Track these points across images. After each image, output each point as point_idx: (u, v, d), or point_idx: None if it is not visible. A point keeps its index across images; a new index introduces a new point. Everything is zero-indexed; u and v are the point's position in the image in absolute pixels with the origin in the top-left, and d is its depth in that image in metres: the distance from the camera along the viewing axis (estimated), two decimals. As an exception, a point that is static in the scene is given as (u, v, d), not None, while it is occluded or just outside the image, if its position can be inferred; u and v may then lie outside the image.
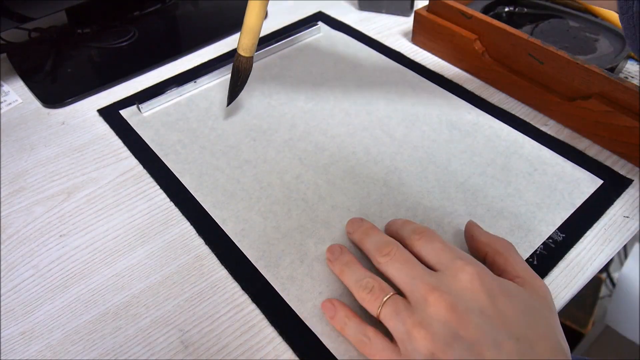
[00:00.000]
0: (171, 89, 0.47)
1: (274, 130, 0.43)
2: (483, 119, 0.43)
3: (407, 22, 0.56)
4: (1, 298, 0.33)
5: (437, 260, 0.27)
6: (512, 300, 0.25)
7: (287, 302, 0.32)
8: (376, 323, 0.27)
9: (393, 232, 0.32)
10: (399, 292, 0.27)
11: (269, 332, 0.31)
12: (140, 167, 0.41)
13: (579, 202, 0.36)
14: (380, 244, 0.29)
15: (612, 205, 0.36)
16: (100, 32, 0.56)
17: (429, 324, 0.24)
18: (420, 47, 0.52)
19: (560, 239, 0.34)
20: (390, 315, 0.26)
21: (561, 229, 0.35)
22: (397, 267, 0.27)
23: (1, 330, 0.31)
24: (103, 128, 0.45)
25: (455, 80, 0.48)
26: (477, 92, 0.46)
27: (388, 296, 0.27)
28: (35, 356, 0.30)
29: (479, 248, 0.30)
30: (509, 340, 0.24)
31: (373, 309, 0.27)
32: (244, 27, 0.40)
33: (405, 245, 0.29)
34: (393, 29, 0.55)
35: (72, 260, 0.35)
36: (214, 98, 0.47)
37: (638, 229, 0.35)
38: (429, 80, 0.48)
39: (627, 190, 0.37)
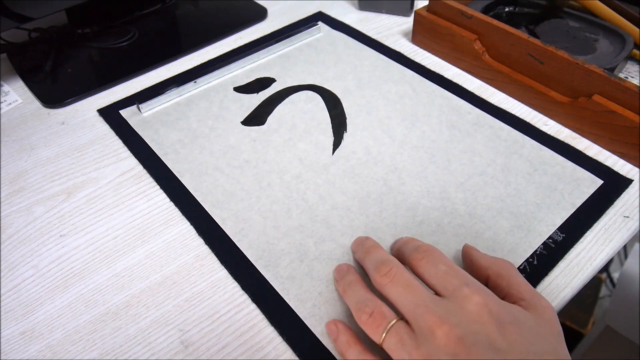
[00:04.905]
0: (171, 89, 0.47)
1: (274, 130, 0.43)
2: (483, 119, 0.43)
3: (407, 22, 0.56)
4: (1, 298, 0.33)
5: (442, 286, 0.26)
6: (520, 328, 0.25)
7: (287, 302, 0.32)
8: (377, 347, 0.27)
9: (395, 250, 0.31)
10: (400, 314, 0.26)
11: (269, 332, 0.31)
12: (140, 167, 0.41)
13: (579, 202, 0.36)
14: (379, 262, 0.28)
15: (612, 205, 0.36)
16: (100, 32, 0.56)
17: (437, 358, 0.24)
18: (420, 47, 0.52)
19: (560, 239, 0.34)
20: (395, 345, 0.25)
21: (561, 229, 0.35)
22: (399, 291, 0.26)
23: (1, 330, 0.31)
24: (103, 128, 0.45)
25: (455, 80, 0.48)
26: (477, 92, 0.46)
27: (391, 324, 0.26)
28: (35, 356, 0.30)
29: (479, 272, 0.29)
30: None
31: (375, 336, 0.26)
32: None
33: (407, 265, 0.28)
34: (393, 29, 0.55)
35: (72, 260, 0.35)
36: (214, 98, 0.47)
37: (638, 229, 0.35)
38: (429, 80, 0.48)
39: (627, 190, 0.37)
